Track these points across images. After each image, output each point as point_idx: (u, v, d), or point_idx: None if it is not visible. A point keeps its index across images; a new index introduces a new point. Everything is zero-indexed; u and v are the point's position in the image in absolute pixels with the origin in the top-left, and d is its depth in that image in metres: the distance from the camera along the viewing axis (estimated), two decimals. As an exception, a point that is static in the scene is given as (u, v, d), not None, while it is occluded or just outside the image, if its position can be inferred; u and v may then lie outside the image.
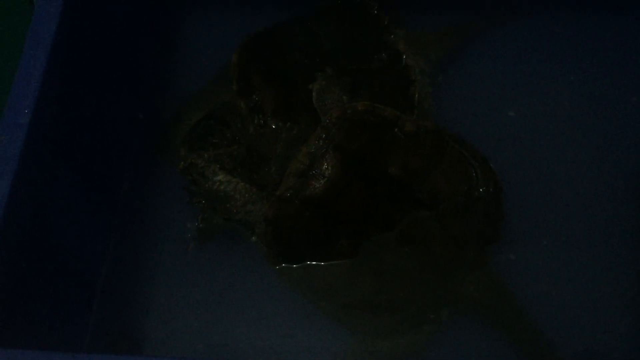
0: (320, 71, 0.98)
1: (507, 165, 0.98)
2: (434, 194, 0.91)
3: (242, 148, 0.96)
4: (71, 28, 0.88)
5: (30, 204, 0.83)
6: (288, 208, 0.88)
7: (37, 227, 0.85)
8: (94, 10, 0.95)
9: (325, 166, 0.88)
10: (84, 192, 0.95)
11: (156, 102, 1.09)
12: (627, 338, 0.89)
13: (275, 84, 1.00)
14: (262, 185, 0.93)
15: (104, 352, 0.92)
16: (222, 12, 1.15)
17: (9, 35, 1.06)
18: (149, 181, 1.03)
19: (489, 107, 1.04)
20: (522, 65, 1.07)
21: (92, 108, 0.95)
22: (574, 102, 1.04)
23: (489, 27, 1.10)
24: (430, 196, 0.90)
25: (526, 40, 1.09)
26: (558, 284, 0.93)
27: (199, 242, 0.97)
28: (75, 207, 0.93)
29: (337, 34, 1.03)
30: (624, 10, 1.09)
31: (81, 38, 0.92)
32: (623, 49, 1.07)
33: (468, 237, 0.91)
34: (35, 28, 0.85)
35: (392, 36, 1.01)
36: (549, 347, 0.89)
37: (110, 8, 1.00)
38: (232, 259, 0.96)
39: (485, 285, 0.91)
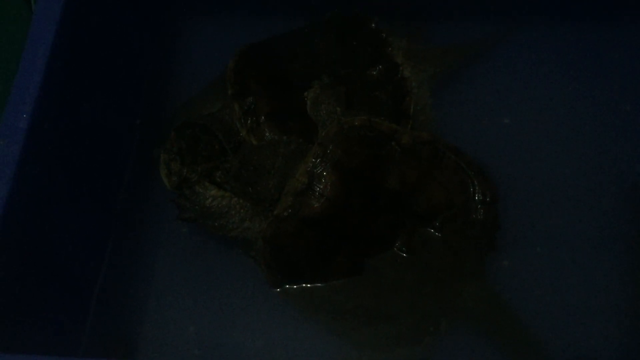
0: (317, 80, 0.98)
1: (500, 173, 0.98)
2: (432, 206, 0.91)
3: (235, 161, 0.93)
4: (70, 34, 0.88)
5: (28, 208, 0.83)
6: (287, 227, 0.88)
7: (34, 232, 0.86)
8: (93, 15, 0.95)
9: (324, 185, 0.87)
10: (81, 198, 0.95)
11: (154, 108, 1.09)
12: (620, 344, 0.90)
13: (270, 89, 0.99)
14: (258, 199, 0.91)
15: (100, 357, 0.92)
16: (221, 21, 1.15)
17: (8, 40, 1.06)
18: (146, 187, 1.03)
19: (485, 116, 1.05)
20: (517, 75, 1.08)
21: (90, 113, 0.95)
22: (568, 112, 1.05)
23: (489, 46, 1.10)
24: (428, 208, 0.91)
25: (521, 50, 1.09)
26: (551, 290, 0.94)
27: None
28: (73, 213, 0.93)
29: (335, 46, 1.03)
30: (617, 20, 1.09)
31: (79, 43, 0.92)
32: (616, 58, 1.08)
33: (466, 248, 0.92)
34: (34, 33, 0.86)
35: (390, 49, 1.01)
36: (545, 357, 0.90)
37: (109, 15, 1.00)
38: (228, 265, 0.97)
39: (483, 296, 0.91)
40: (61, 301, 0.91)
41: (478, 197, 0.92)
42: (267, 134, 0.95)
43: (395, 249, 0.91)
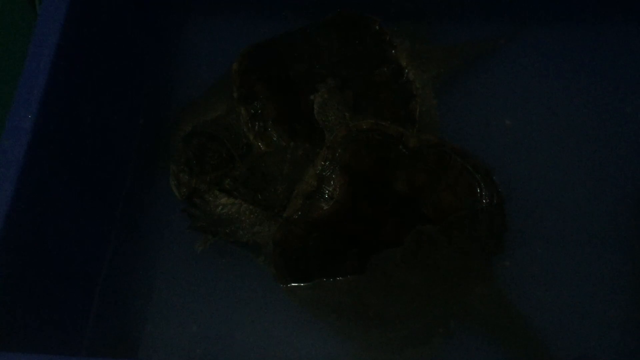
0: (322, 82, 0.98)
1: (502, 174, 0.98)
2: (439, 209, 0.91)
3: (243, 168, 0.94)
4: (74, 35, 0.88)
5: (31, 208, 0.83)
6: (296, 229, 0.88)
7: (37, 231, 0.86)
8: (96, 16, 0.96)
9: (333, 187, 0.88)
10: (84, 197, 0.96)
11: (157, 108, 1.10)
12: (620, 344, 0.91)
13: (276, 92, 0.99)
14: (267, 205, 0.92)
15: (102, 357, 0.92)
16: (224, 21, 1.15)
17: (13, 41, 1.06)
18: (148, 187, 1.03)
19: (487, 117, 1.05)
20: (520, 76, 1.08)
21: (93, 113, 0.95)
22: (570, 114, 1.05)
23: (493, 47, 1.10)
24: (435, 211, 0.91)
25: (525, 51, 1.10)
26: (552, 291, 0.94)
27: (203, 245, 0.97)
28: (76, 212, 0.93)
29: (338, 47, 1.03)
30: (618, 22, 1.10)
31: (83, 45, 0.92)
32: (617, 60, 1.08)
33: (474, 249, 0.92)
34: (39, 33, 0.86)
35: (394, 51, 1.01)
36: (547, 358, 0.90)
37: (112, 16, 1.00)
38: (232, 264, 0.97)
39: (491, 297, 0.91)
40: (63, 300, 0.91)
41: (485, 199, 0.92)
42: (275, 138, 0.95)
43: (403, 252, 0.91)
